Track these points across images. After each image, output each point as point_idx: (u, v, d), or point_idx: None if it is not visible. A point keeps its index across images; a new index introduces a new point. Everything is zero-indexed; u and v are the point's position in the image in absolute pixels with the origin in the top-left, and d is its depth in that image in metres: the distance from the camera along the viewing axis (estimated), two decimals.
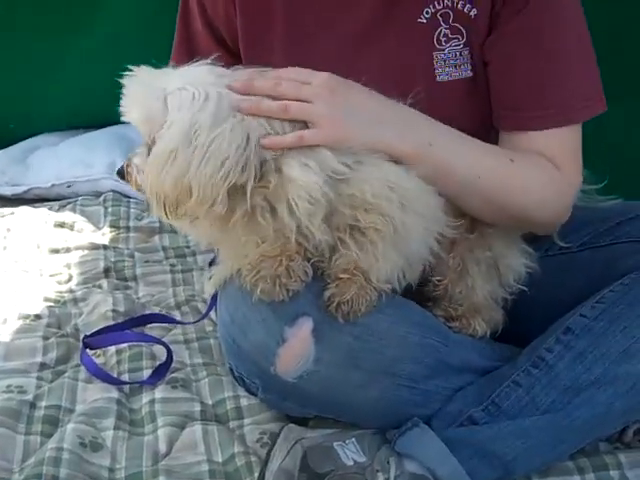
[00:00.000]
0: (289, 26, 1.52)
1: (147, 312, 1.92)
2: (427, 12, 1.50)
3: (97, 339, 1.71)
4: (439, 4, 1.49)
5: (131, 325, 1.76)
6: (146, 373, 1.67)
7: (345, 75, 1.29)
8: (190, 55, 1.42)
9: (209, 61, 1.32)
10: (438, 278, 1.48)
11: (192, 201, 1.25)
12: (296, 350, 1.34)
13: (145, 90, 1.30)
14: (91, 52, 2.78)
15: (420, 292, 1.51)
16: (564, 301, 1.51)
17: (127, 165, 1.34)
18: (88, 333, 1.73)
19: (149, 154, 1.29)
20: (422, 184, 1.35)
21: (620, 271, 1.46)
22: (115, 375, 1.67)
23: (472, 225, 1.49)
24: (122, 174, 1.35)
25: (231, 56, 1.56)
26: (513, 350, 1.53)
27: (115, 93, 2.76)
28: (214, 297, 1.50)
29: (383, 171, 1.32)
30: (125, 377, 1.67)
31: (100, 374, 1.64)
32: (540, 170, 1.46)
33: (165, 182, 1.25)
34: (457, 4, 1.49)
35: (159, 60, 2.62)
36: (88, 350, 1.68)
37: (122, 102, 1.32)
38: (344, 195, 1.30)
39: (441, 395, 1.44)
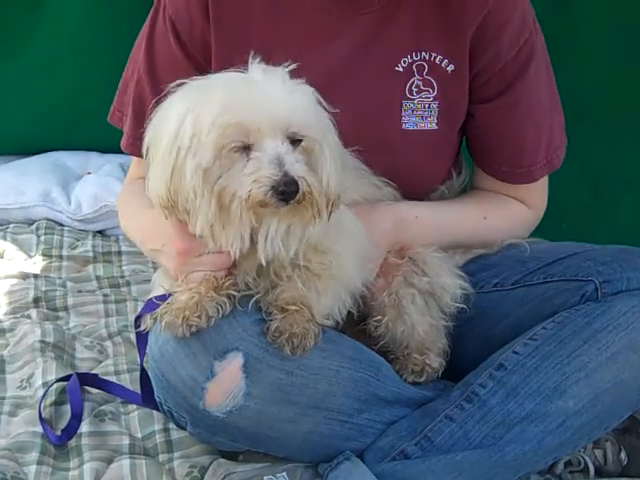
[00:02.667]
0: (268, 46, 1.46)
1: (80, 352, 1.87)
2: (404, 61, 1.52)
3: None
4: (417, 55, 1.52)
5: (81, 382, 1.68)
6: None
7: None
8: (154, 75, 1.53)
9: None
10: (377, 318, 1.47)
11: None
12: (225, 385, 1.32)
13: None
14: (23, 78, 2.73)
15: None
16: (497, 337, 1.52)
17: None
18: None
19: None
20: (358, 223, 1.37)
21: (552, 308, 1.48)
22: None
23: (400, 250, 1.50)
24: None
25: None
26: (445, 383, 1.53)
27: (48, 119, 2.74)
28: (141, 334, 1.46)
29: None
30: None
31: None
32: (511, 217, 1.66)
33: None
34: (435, 58, 1.52)
35: (91, 85, 2.60)
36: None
37: None
38: None
39: (373, 429, 1.44)
